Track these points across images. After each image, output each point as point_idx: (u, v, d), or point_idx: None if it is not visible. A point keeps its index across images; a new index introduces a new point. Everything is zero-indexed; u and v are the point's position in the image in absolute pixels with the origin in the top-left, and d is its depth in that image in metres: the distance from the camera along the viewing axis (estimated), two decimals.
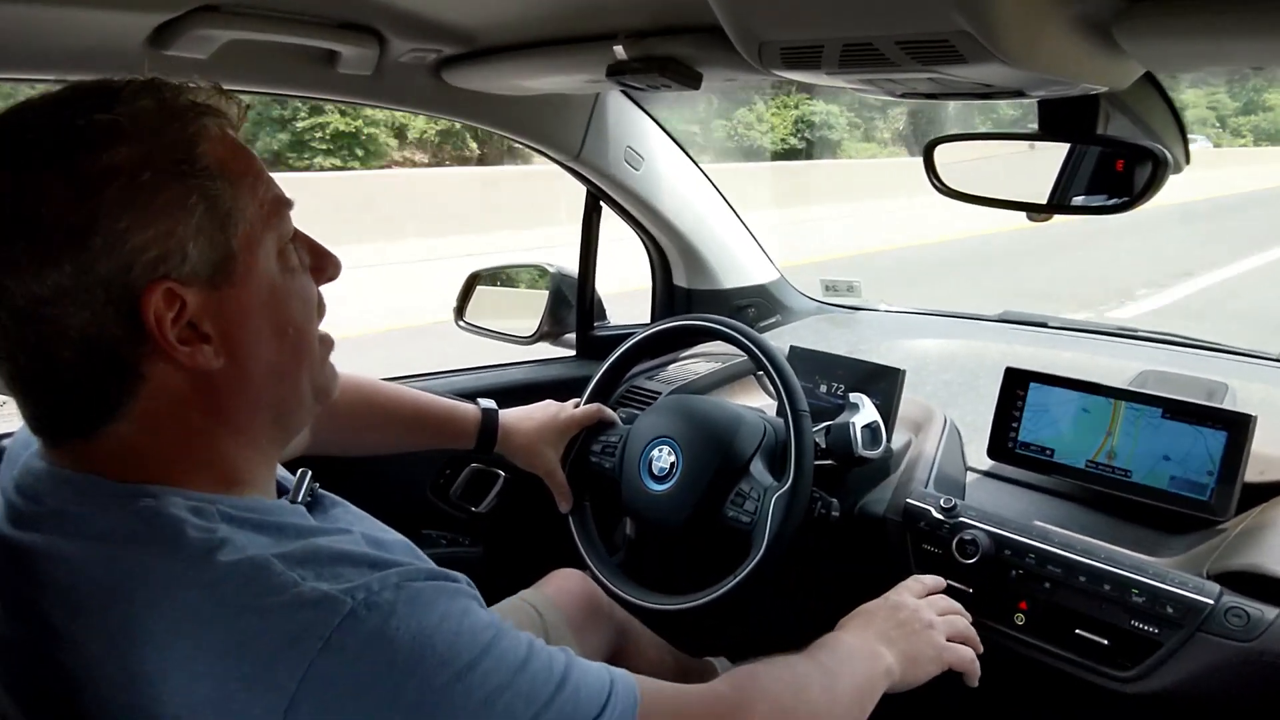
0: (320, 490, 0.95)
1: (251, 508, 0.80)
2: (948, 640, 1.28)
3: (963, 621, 1.33)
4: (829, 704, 1.08)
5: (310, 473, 0.95)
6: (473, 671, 0.74)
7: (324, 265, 0.92)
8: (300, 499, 0.91)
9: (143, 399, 0.79)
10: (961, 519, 1.49)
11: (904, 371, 1.66)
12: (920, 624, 1.27)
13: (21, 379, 0.78)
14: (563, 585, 1.67)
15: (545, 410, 1.67)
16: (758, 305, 2.38)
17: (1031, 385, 1.62)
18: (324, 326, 0.93)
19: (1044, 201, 1.33)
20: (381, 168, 15.67)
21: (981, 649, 1.31)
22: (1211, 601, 1.25)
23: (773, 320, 2.40)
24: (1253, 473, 1.42)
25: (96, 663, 0.73)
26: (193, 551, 0.73)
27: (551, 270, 2.21)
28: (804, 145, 22.38)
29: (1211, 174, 18.90)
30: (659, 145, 2.11)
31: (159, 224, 0.75)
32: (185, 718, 0.70)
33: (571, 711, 0.79)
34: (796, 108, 22.18)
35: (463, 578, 0.82)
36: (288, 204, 0.87)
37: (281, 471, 0.97)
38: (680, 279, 2.32)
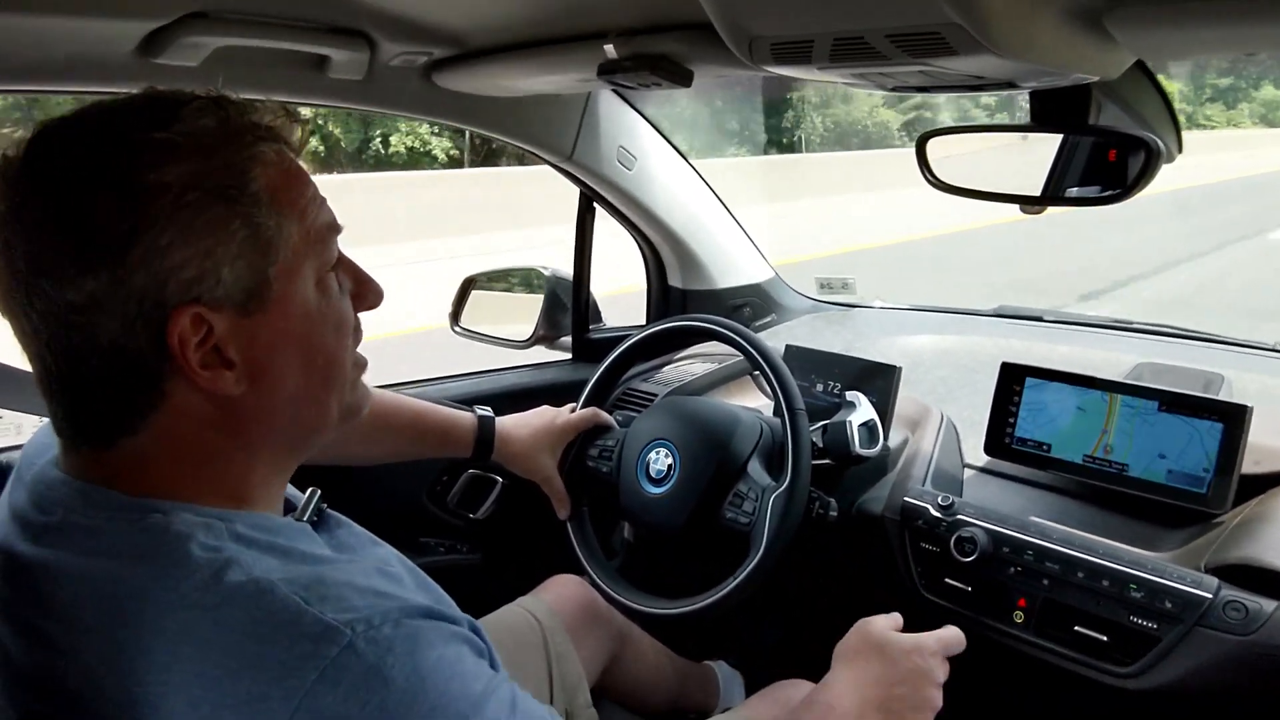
0: (326, 509, 0.95)
1: (261, 526, 0.80)
2: None
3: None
4: None
5: (319, 492, 0.94)
6: None
7: (365, 293, 0.91)
8: (307, 517, 0.90)
9: (162, 414, 0.78)
10: (959, 516, 1.48)
11: (900, 369, 1.65)
12: (929, 705, 1.15)
13: (49, 379, 0.78)
14: (561, 591, 1.67)
15: (541, 416, 1.66)
16: (753, 304, 2.38)
17: (1028, 380, 1.62)
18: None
19: (1038, 193, 1.33)
20: None
21: None
22: (1210, 595, 1.25)
23: (768, 319, 2.40)
24: (1249, 464, 1.41)
25: (98, 683, 0.72)
26: (198, 571, 0.73)
27: (547, 273, 2.20)
28: None
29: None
30: (651, 144, 2.10)
31: (199, 244, 0.74)
32: None
33: None
34: None
35: (464, 619, 0.82)
36: (335, 230, 0.86)
37: (289, 488, 0.96)
38: (675, 279, 2.32)
